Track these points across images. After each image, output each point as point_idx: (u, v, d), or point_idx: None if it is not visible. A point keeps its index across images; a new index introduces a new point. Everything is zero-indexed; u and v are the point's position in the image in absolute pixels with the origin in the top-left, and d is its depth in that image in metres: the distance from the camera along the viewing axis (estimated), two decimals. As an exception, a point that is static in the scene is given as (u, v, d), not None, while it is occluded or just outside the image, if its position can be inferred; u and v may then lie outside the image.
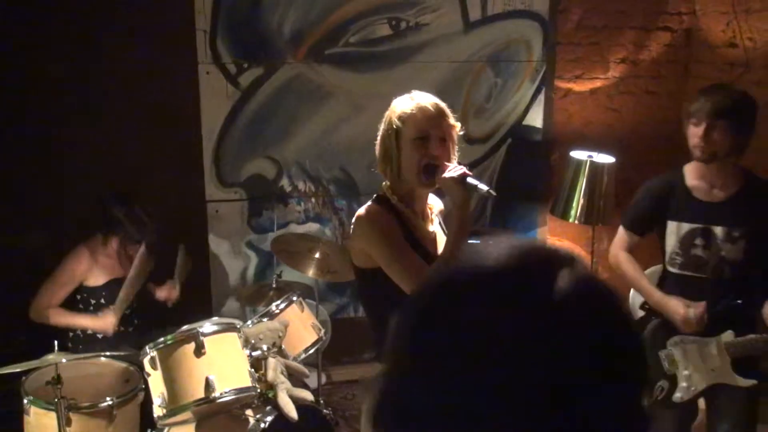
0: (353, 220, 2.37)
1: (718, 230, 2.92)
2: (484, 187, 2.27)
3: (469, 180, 2.27)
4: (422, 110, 2.26)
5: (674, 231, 3.02)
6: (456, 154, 2.36)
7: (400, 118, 2.29)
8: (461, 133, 2.38)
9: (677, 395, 2.96)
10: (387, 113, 2.36)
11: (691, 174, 3.01)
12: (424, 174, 2.29)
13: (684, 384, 2.96)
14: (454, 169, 2.26)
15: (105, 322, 3.59)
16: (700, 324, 2.92)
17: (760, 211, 2.90)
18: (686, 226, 2.98)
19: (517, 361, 0.64)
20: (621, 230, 3.25)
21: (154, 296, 3.89)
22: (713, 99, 2.84)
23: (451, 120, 2.32)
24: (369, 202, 2.39)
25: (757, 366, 2.93)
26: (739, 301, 2.90)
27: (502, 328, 0.66)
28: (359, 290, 2.58)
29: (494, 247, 0.72)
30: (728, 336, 2.91)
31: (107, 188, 3.75)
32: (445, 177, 2.25)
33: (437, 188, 2.36)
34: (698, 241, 2.96)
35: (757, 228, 2.90)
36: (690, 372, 2.95)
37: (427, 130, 2.27)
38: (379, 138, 2.38)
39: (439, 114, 2.28)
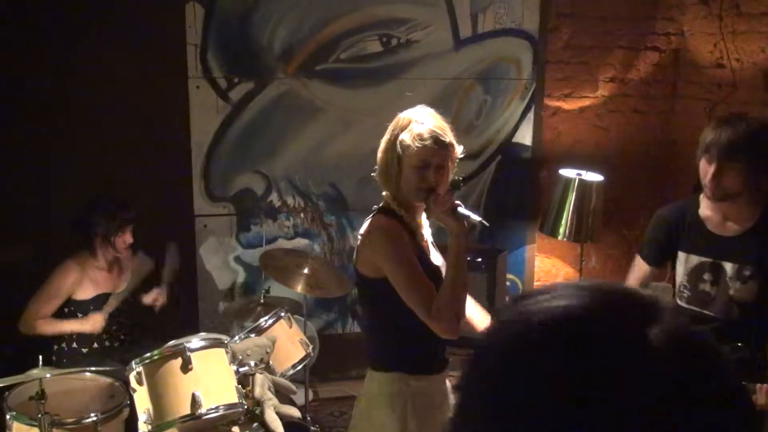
0: (366, 229, 2.39)
1: (728, 267, 2.71)
2: (476, 217, 2.35)
3: (460, 210, 2.32)
4: (425, 144, 2.27)
5: (683, 263, 2.82)
6: (453, 171, 2.38)
7: (402, 146, 2.30)
8: (462, 156, 2.40)
9: None
10: (392, 124, 2.37)
11: (706, 204, 2.77)
12: (421, 193, 2.33)
13: None
14: (443, 201, 2.30)
15: (92, 321, 3.58)
16: None
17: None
18: (695, 259, 2.78)
19: (614, 417, 0.60)
20: (638, 259, 3.00)
21: (141, 302, 3.86)
22: (728, 134, 2.56)
23: (453, 150, 2.34)
24: (378, 214, 2.41)
25: None
26: (739, 345, 2.60)
27: (593, 380, 0.61)
28: (360, 297, 2.59)
29: (565, 292, 0.67)
30: None
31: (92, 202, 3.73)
32: (436, 210, 2.31)
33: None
34: (706, 276, 2.76)
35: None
36: None
37: (427, 160, 2.29)
38: (381, 148, 2.39)
39: (441, 146, 2.29)
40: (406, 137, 2.30)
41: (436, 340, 2.35)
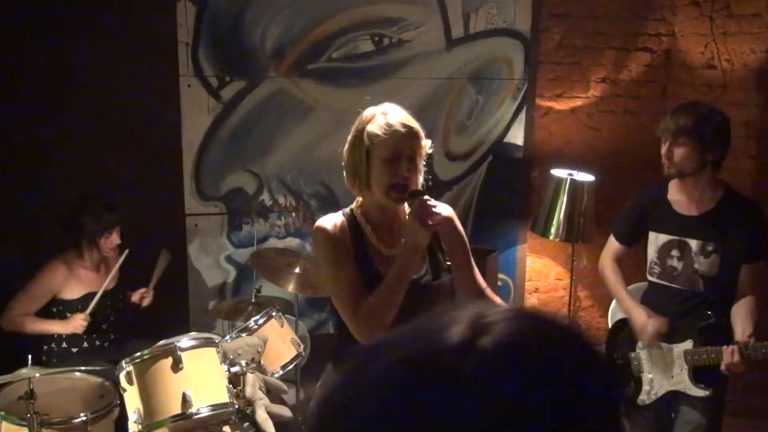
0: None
1: (693, 243, 3.00)
2: (446, 259, 2.21)
3: (440, 241, 2.20)
4: (394, 132, 2.17)
5: (653, 241, 3.12)
6: (422, 169, 2.29)
7: (370, 136, 2.19)
8: (430, 150, 2.30)
9: (641, 398, 3.10)
10: (356, 124, 2.26)
11: (674, 188, 3.09)
12: (393, 192, 2.22)
13: (646, 387, 3.10)
14: (427, 213, 2.16)
15: (74, 323, 3.56)
16: (656, 337, 3.04)
17: (733, 227, 2.95)
18: (664, 237, 3.08)
19: None
20: (611, 238, 3.35)
21: (129, 300, 3.85)
22: (676, 118, 2.92)
23: (422, 140, 2.24)
24: (335, 213, 2.35)
25: (716, 377, 2.96)
26: (709, 313, 2.98)
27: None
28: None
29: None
30: (687, 345, 3.01)
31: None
32: (421, 218, 2.16)
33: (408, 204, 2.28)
34: (674, 253, 3.06)
35: (729, 243, 2.95)
36: (652, 376, 3.09)
37: (397, 151, 2.19)
38: (346, 148, 2.29)
39: (411, 135, 2.20)
40: (373, 128, 2.19)
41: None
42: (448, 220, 2.37)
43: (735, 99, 4.26)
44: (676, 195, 3.08)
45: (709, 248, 2.98)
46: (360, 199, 2.35)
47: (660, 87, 4.85)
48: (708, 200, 3.00)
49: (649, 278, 3.16)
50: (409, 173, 2.21)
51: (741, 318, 2.92)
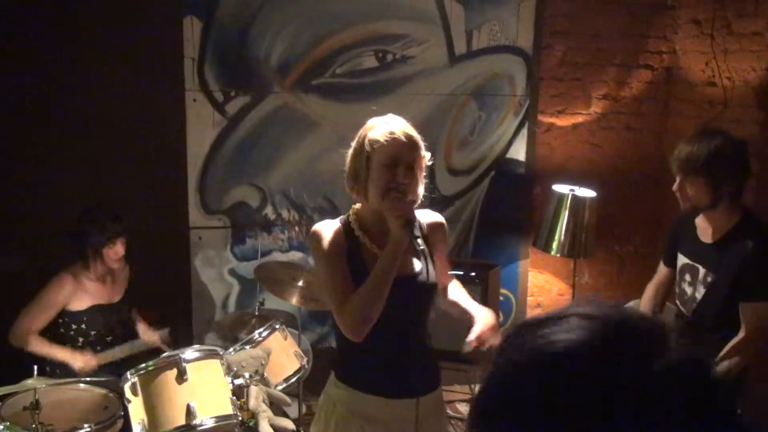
0: None
1: (701, 271, 2.94)
2: (420, 243, 2.26)
3: (411, 226, 2.26)
4: (394, 138, 2.26)
5: (678, 263, 3.09)
6: (423, 182, 2.35)
7: (371, 143, 2.27)
8: (430, 163, 2.37)
9: None
10: (360, 132, 2.35)
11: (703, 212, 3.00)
12: (388, 195, 2.27)
13: None
14: (400, 206, 2.25)
15: (83, 360, 3.50)
16: None
17: (731, 258, 2.82)
18: (683, 260, 3.05)
19: None
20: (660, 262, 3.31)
21: (136, 318, 3.86)
22: (686, 151, 2.80)
23: (422, 150, 2.32)
24: (332, 219, 2.44)
25: None
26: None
27: (592, 415, 0.65)
28: None
29: (574, 324, 0.70)
30: None
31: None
32: (391, 210, 2.25)
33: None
34: (687, 277, 3.02)
35: (726, 277, 2.83)
36: None
37: (396, 157, 2.26)
38: (349, 155, 2.37)
39: (410, 142, 2.28)
40: (374, 134, 2.28)
41: (381, 361, 2.34)
42: (439, 226, 2.51)
43: (736, 116, 4.29)
44: (702, 220, 3.00)
45: (709, 279, 2.89)
46: (357, 206, 2.43)
47: (661, 104, 4.89)
48: (721, 228, 2.89)
49: (676, 300, 3.12)
50: (406, 180, 2.27)
51: (727, 354, 2.79)
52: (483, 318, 2.41)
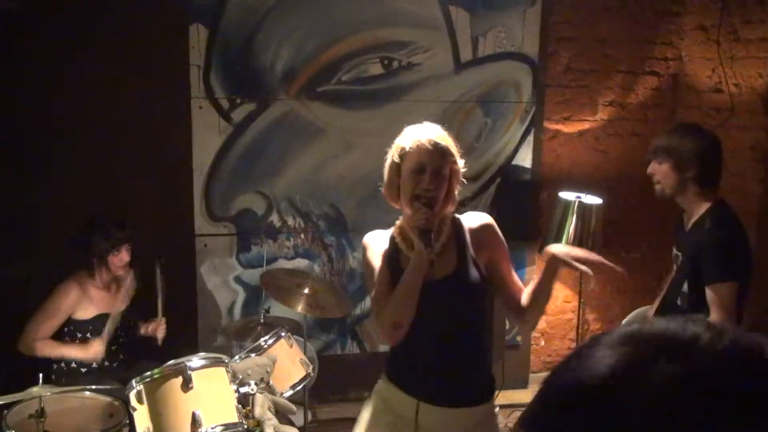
0: None
1: (681, 257, 3.08)
2: (434, 251, 2.27)
3: (428, 237, 2.27)
4: (419, 145, 2.28)
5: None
6: (457, 189, 2.37)
7: (400, 151, 2.31)
8: (464, 169, 2.38)
9: None
10: (397, 139, 2.38)
11: None
12: (416, 202, 2.29)
13: None
14: (420, 215, 2.26)
15: (93, 350, 3.56)
16: None
17: (693, 240, 2.97)
18: (673, 251, 3.18)
19: None
20: None
21: (139, 331, 3.86)
22: (658, 138, 3.04)
23: (451, 157, 2.32)
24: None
25: None
26: None
27: None
28: None
29: (607, 352, 0.69)
30: None
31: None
32: (411, 219, 2.31)
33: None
34: (674, 265, 3.15)
35: (687, 258, 2.99)
36: None
37: (421, 163, 2.27)
38: (386, 164, 2.40)
39: (437, 150, 2.28)
40: (402, 141, 2.33)
41: (424, 362, 2.32)
42: (484, 226, 2.46)
43: (742, 123, 4.28)
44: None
45: (682, 264, 3.06)
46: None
47: (667, 110, 4.88)
48: (693, 215, 3.04)
49: None
50: (432, 186, 2.28)
51: None
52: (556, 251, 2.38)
